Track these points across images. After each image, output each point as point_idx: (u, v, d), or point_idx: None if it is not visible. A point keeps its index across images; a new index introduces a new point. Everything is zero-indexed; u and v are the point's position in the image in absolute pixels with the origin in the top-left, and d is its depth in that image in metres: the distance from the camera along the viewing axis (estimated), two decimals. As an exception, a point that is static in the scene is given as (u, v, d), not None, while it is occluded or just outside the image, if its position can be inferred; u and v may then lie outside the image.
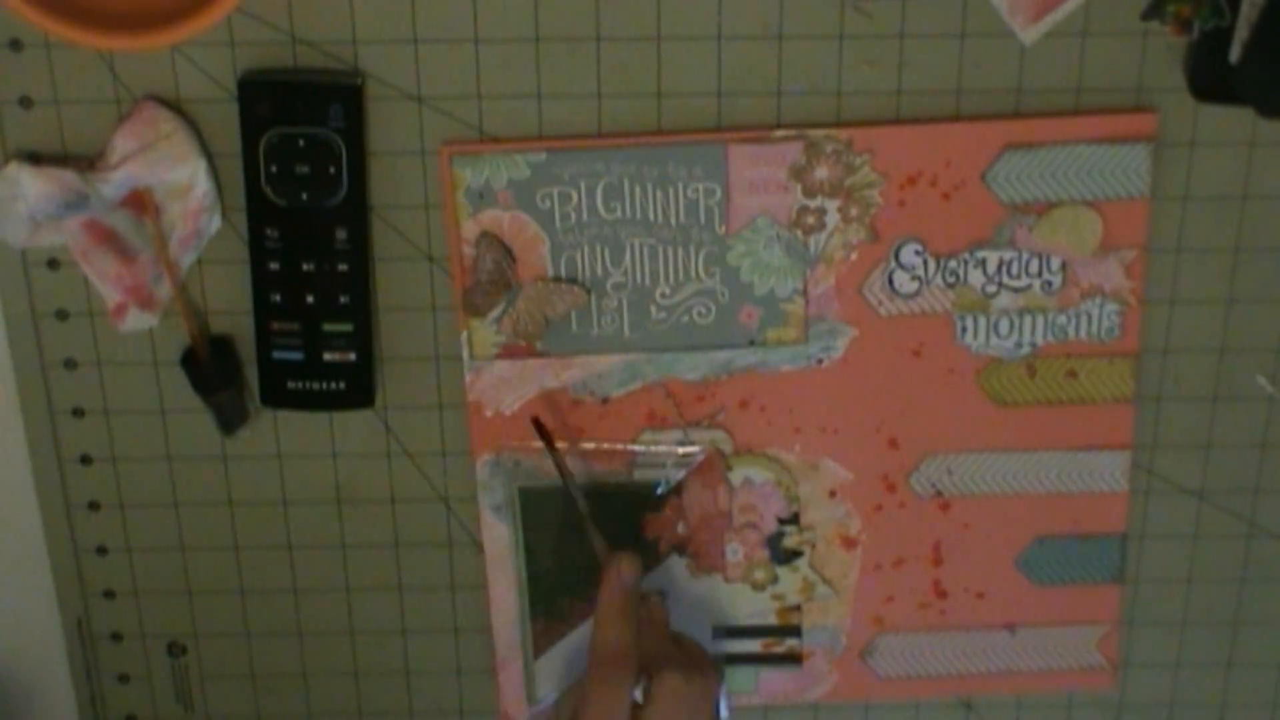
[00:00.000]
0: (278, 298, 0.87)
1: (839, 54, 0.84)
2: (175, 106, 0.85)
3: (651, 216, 0.87)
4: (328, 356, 0.88)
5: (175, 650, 0.97)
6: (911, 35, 0.84)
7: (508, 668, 0.97)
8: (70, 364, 0.90)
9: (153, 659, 0.98)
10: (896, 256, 0.88)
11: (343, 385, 0.89)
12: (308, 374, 0.89)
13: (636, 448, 0.92)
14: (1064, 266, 0.89)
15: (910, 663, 0.98)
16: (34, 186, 0.82)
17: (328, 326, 0.88)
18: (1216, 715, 1.00)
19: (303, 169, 0.85)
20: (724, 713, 0.89)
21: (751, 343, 0.90)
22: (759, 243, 0.88)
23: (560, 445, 0.90)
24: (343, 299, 0.87)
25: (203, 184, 0.85)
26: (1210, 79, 0.83)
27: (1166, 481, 0.94)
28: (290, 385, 0.89)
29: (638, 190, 0.87)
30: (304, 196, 0.85)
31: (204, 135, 0.85)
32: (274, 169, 0.85)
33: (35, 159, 0.85)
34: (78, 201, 0.83)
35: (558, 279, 0.88)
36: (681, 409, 0.91)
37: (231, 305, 0.88)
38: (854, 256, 0.88)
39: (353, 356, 0.88)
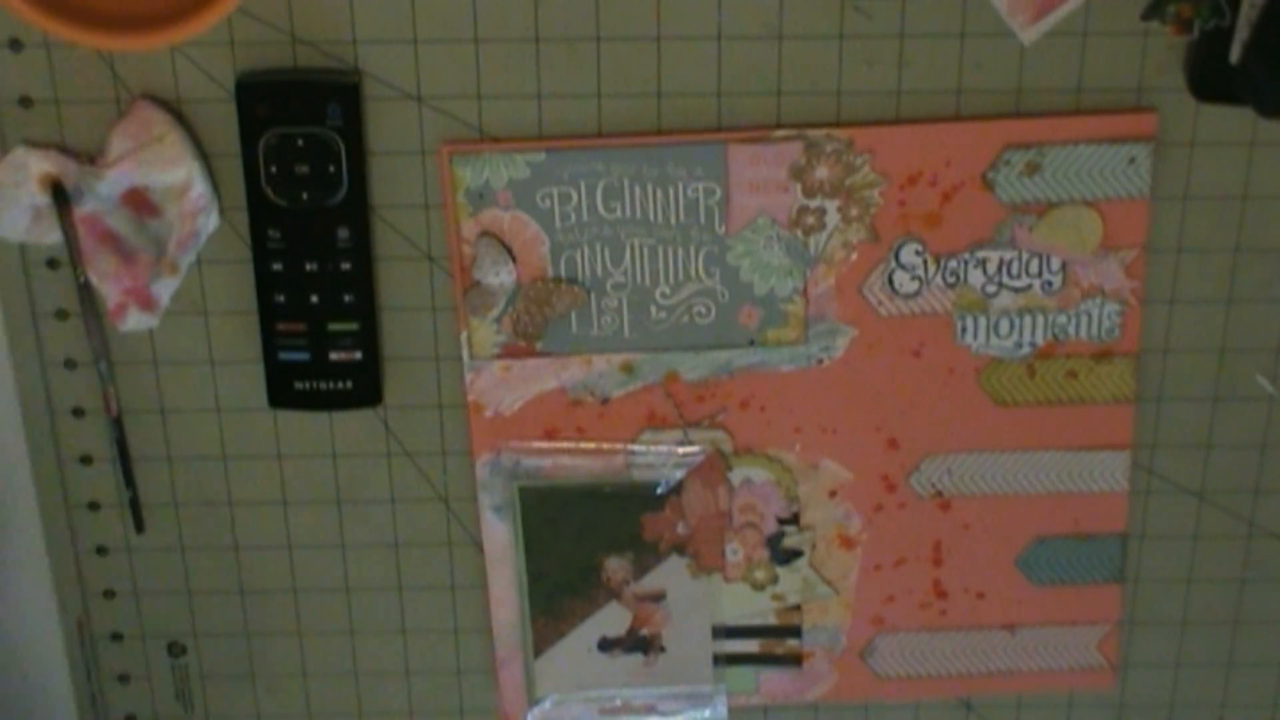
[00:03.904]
0: (282, 298, 0.87)
1: (839, 54, 0.84)
2: (172, 106, 0.85)
3: (651, 216, 0.87)
4: (333, 356, 0.88)
5: (175, 650, 0.97)
6: (911, 35, 0.84)
7: (508, 668, 0.97)
8: (70, 364, 0.90)
9: (153, 659, 0.98)
10: (896, 256, 0.88)
11: (349, 384, 0.89)
12: (314, 374, 0.89)
13: (636, 448, 0.92)
14: (1064, 266, 0.89)
15: (910, 663, 0.98)
16: (39, 169, 0.83)
17: (333, 326, 0.88)
18: (1216, 715, 1.00)
19: (302, 169, 0.85)
20: None
21: (751, 343, 0.90)
22: (759, 243, 0.88)
23: (560, 445, 0.90)
24: (347, 298, 0.87)
25: (198, 185, 0.85)
26: (1210, 79, 0.83)
27: (1166, 481, 0.94)
28: (297, 386, 0.89)
29: (638, 190, 0.87)
30: (304, 196, 0.85)
31: (204, 135, 0.85)
32: (274, 169, 0.85)
33: (35, 159, 0.85)
34: (76, 193, 0.83)
35: (558, 279, 0.88)
36: (681, 409, 0.91)
37: (233, 305, 0.88)
38: (854, 256, 0.88)
39: (359, 355, 0.88)
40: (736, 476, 0.93)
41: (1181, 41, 0.84)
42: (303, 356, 0.88)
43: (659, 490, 0.93)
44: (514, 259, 0.88)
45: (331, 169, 0.85)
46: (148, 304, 0.87)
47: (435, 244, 0.88)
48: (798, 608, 0.96)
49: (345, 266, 0.86)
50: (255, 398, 0.90)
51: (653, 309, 0.89)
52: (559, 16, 0.83)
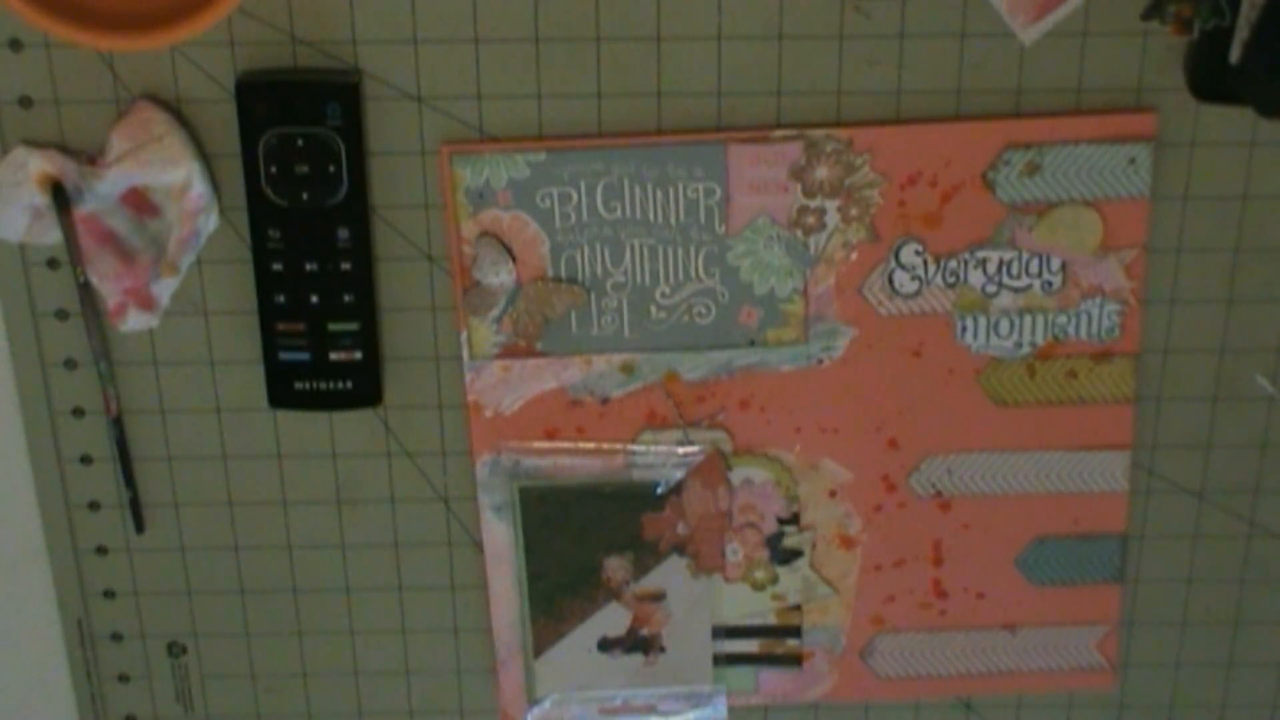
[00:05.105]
0: (282, 298, 0.87)
1: (839, 54, 0.84)
2: (172, 107, 0.85)
3: (651, 216, 0.87)
4: (334, 356, 0.88)
5: (175, 650, 0.97)
6: (911, 35, 0.84)
7: (508, 668, 0.97)
8: (70, 364, 0.90)
9: (153, 659, 0.98)
10: (896, 256, 0.88)
11: (349, 384, 0.89)
12: (314, 374, 0.89)
13: (636, 448, 0.92)
14: (1064, 266, 0.89)
15: (910, 663, 0.98)
16: (39, 169, 0.83)
17: (333, 326, 0.88)
18: (1216, 715, 1.00)
19: (302, 168, 0.85)
20: None
21: (751, 343, 0.90)
22: (759, 243, 0.88)
23: (560, 445, 0.90)
24: (347, 298, 0.87)
25: (198, 185, 0.85)
26: (1210, 79, 0.83)
27: (1166, 481, 0.94)
28: (298, 386, 0.89)
29: (638, 190, 0.87)
30: (305, 196, 0.85)
31: (204, 135, 0.85)
32: (274, 169, 0.85)
33: (35, 159, 0.85)
34: (76, 193, 0.83)
35: (558, 279, 0.88)
36: (681, 409, 0.91)
37: (233, 305, 0.88)
38: (854, 256, 0.88)
39: (359, 355, 0.88)
40: (736, 476, 0.93)
41: (1181, 41, 0.84)
42: (303, 356, 0.88)
43: (659, 490, 0.93)
44: (514, 259, 0.88)
45: (331, 169, 0.85)
46: (148, 304, 0.87)
47: (435, 244, 0.88)
48: (798, 608, 0.96)
49: (345, 266, 0.86)
50: (255, 398, 0.90)
51: (653, 309, 0.89)
52: (559, 16, 0.83)
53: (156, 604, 0.96)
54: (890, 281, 0.89)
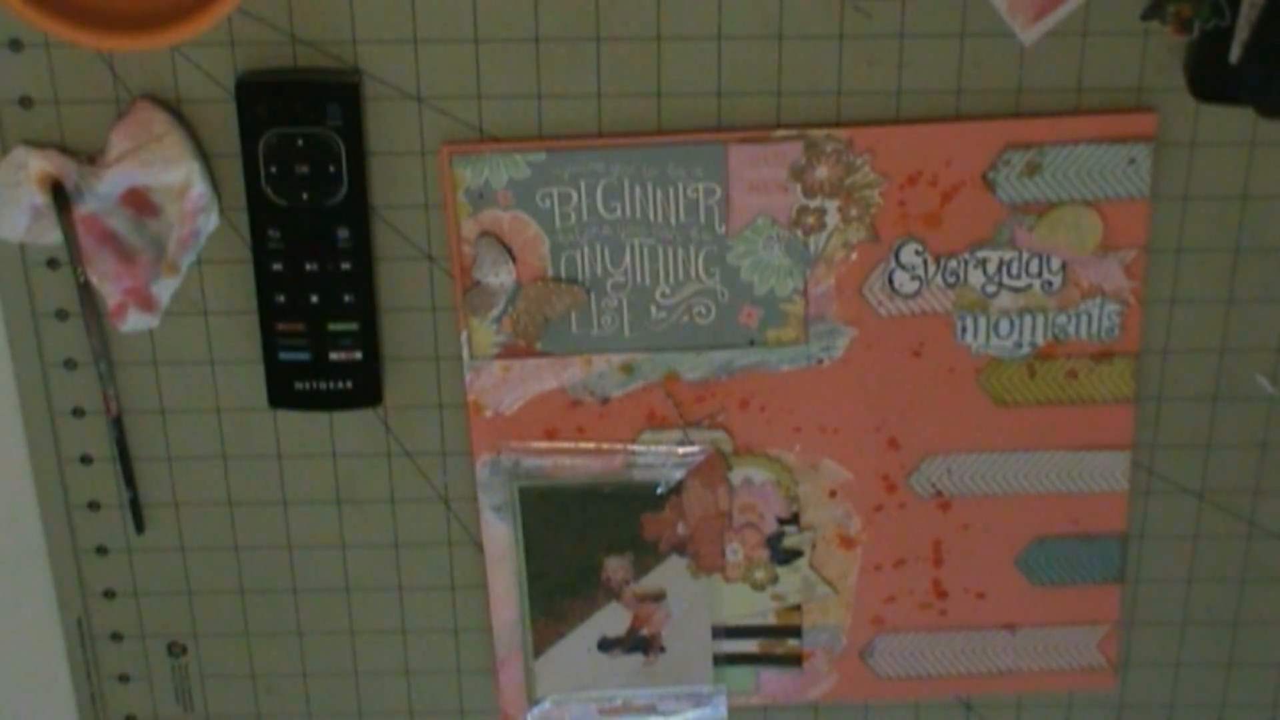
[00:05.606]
0: (282, 298, 0.87)
1: (839, 54, 0.84)
2: (172, 106, 0.85)
3: (651, 216, 0.87)
4: (333, 356, 0.88)
5: (175, 650, 0.97)
6: (911, 35, 0.84)
7: (508, 668, 0.97)
8: (70, 364, 0.90)
9: (153, 659, 0.98)
10: (896, 256, 0.88)
11: (349, 384, 0.89)
12: (314, 374, 0.89)
13: (636, 448, 0.92)
14: (1064, 266, 0.89)
15: (910, 663, 0.98)
16: (39, 169, 0.83)
17: (333, 326, 0.88)
18: (1216, 715, 1.00)
19: (302, 169, 0.85)
20: None
21: (751, 343, 0.90)
22: (759, 243, 0.88)
23: (560, 445, 0.90)
24: (347, 298, 0.87)
25: (198, 185, 0.85)
26: (1210, 79, 0.83)
27: (1166, 481, 0.94)
28: (297, 386, 0.89)
29: (638, 190, 0.87)
30: (305, 196, 0.85)
31: (204, 135, 0.85)
32: (274, 169, 0.85)
33: (35, 159, 0.85)
34: (76, 193, 0.83)
35: (558, 279, 0.88)
36: (681, 409, 0.91)
37: (233, 305, 0.88)
38: (854, 256, 0.88)
39: (359, 355, 0.88)
40: (736, 476, 0.93)
41: (1181, 41, 0.84)
42: (303, 356, 0.88)
43: (659, 490, 0.93)
44: (514, 259, 0.88)
45: (331, 169, 0.85)
46: (148, 304, 0.87)
47: (435, 244, 0.88)
48: (798, 608, 0.96)
49: (345, 266, 0.86)
50: (255, 398, 0.90)
51: (653, 309, 0.89)
52: (559, 16, 0.83)
53: (156, 604, 0.96)
54: (890, 281, 0.89)
